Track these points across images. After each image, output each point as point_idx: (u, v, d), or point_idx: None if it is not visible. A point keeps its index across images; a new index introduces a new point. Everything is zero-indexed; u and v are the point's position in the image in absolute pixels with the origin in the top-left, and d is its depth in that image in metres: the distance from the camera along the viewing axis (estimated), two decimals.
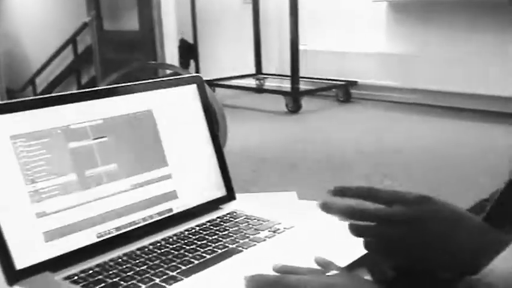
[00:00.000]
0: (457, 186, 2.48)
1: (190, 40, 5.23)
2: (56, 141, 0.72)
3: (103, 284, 0.66)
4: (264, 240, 0.76)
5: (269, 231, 0.79)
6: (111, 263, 0.71)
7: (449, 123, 3.73)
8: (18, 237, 0.67)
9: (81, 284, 0.66)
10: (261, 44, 4.99)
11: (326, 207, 0.66)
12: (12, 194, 0.68)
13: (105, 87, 0.78)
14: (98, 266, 0.70)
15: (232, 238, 0.77)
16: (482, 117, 3.78)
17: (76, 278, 0.68)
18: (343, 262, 0.68)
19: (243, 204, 0.89)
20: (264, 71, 5.02)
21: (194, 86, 0.88)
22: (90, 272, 0.69)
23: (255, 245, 0.74)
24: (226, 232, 0.79)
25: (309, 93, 4.39)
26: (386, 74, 4.46)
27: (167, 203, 0.82)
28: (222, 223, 0.82)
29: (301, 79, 4.24)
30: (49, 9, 5.87)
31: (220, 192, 0.89)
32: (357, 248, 0.69)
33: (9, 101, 0.69)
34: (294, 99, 4.09)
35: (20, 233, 0.68)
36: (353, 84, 4.54)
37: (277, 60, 5.01)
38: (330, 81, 4.57)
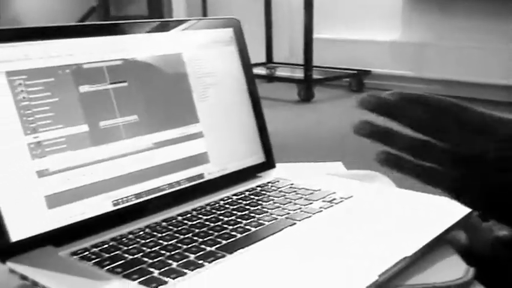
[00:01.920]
0: None
1: None
2: (64, 83, 0.57)
3: (122, 261, 0.51)
4: (320, 211, 0.61)
5: (323, 201, 0.64)
6: (131, 236, 0.56)
7: None
8: (13, 201, 0.52)
9: (93, 261, 0.51)
10: (272, 32, 4.85)
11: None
12: (7, 145, 0.53)
13: (126, 21, 0.63)
14: (113, 239, 0.55)
15: (280, 209, 0.62)
16: (500, 108, 3.62)
17: (86, 253, 0.53)
18: (415, 235, 0.54)
19: (284, 172, 0.74)
20: (274, 60, 4.89)
21: (230, 30, 0.73)
22: (105, 246, 0.54)
23: (309, 216, 0.60)
24: (271, 202, 0.64)
25: (321, 81, 4.25)
26: (400, 63, 4.32)
27: (198, 167, 0.67)
28: (264, 192, 0.67)
29: (313, 68, 4.10)
30: None
31: (259, 158, 0.74)
32: (431, 221, 0.57)
33: (6, 28, 0.54)
34: (307, 88, 3.95)
35: (17, 195, 0.53)
36: (366, 73, 4.40)
37: (287, 49, 4.87)
38: (342, 71, 4.43)
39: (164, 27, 0.66)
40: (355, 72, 4.36)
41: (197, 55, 0.68)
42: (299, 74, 4.19)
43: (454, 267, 0.51)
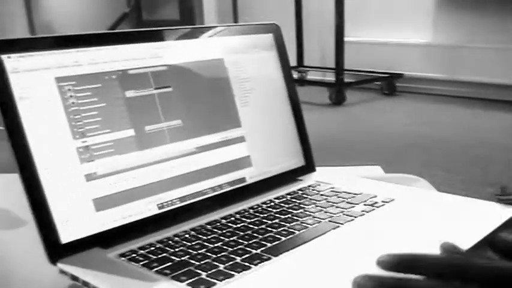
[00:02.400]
0: None
1: None
2: (111, 88, 0.58)
3: (169, 263, 0.52)
4: (362, 214, 0.61)
5: (365, 204, 0.64)
6: (177, 239, 0.57)
7: (500, 117, 3.52)
8: (63, 204, 0.54)
9: (141, 263, 0.52)
10: (303, 36, 4.84)
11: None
12: (57, 150, 0.54)
13: (169, 28, 0.64)
14: (160, 242, 0.56)
15: (323, 212, 0.62)
16: None
17: (134, 255, 0.54)
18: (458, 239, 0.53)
19: (324, 176, 0.75)
20: (305, 64, 4.88)
21: (270, 35, 0.74)
22: (152, 248, 0.55)
23: (352, 219, 0.60)
24: (313, 205, 0.64)
25: (353, 85, 4.22)
26: (432, 65, 4.28)
27: (240, 171, 0.68)
28: (305, 195, 0.68)
29: (344, 72, 4.08)
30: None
31: (299, 161, 0.75)
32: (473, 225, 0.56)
33: (56, 35, 0.56)
34: (338, 91, 3.93)
35: (66, 199, 0.54)
36: (398, 76, 4.37)
37: (318, 53, 4.86)
38: (373, 74, 4.40)
39: (205, 33, 0.67)
40: (386, 75, 4.33)
41: (238, 60, 0.69)
42: (330, 77, 4.18)
43: None
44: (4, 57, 0.52)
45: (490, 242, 0.49)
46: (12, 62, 0.52)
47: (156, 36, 0.63)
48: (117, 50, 0.59)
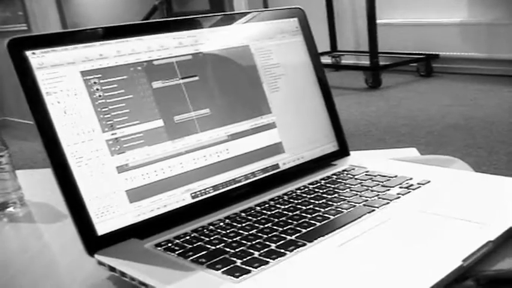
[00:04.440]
0: None
1: None
2: (137, 80, 0.58)
3: (205, 252, 0.51)
4: (398, 197, 0.60)
5: (400, 187, 0.63)
6: (211, 228, 0.57)
7: None
8: (97, 196, 0.54)
9: (177, 252, 0.52)
10: (334, 21, 4.80)
11: None
12: (87, 143, 0.54)
13: (192, 16, 0.64)
14: (195, 231, 0.56)
15: (358, 196, 0.61)
16: None
17: (170, 245, 0.54)
18: (498, 219, 0.52)
19: (359, 160, 0.73)
20: (339, 48, 4.84)
21: (295, 19, 0.73)
22: (187, 238, 0.55)
23: (387, 203, 0.59)
24: (348, 190, 0.63)
25: (388, 67, 4.17)
26: (469, 44, 4.18)
27: (272, 157, 0.67)
28: (340, 180, 0.66)
29: (379, 54, 4.03)
30: None
31: (333, 146, 0.74)
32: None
33: (79, 29, 0.56)
34: (374, 74, 3.89)
35: (99, 191, 0.54)
36: (434, 57, 4.29)
37: (352, 37, 4.81)
38: (409, 56, 4.34)
39: (229, 20, 0.67)
40: (422, 56, 4.26)
41: (264, 46, 0.68)
42: (365, 61, 4.13)
43: None
44: (29, 53, 0.52)
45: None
46: (37, 58, 0.53)
47: (179, 26, 0.62)
48: (141, 41, 0.59)
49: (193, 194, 0.60)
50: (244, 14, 0.68)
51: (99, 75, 0.56)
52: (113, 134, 0.55)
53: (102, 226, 0.54)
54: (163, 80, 0.60)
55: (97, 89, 0.55)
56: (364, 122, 3.12)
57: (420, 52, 4.31)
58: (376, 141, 2.72)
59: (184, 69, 0.61)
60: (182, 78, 0.61)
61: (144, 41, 0.59)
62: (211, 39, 0.65)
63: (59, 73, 0.53)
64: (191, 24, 0.63)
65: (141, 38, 0.59)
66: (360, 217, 0.55)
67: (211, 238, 0.54)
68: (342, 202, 0.59)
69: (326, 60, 4.76)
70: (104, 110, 0.55)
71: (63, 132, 0.53)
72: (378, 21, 4.04)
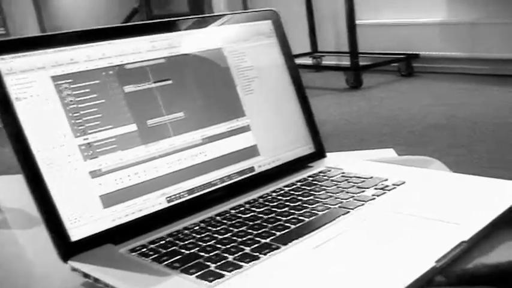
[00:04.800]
0: None
1: None
2: (109, 84, 0.58)
3: (179, 256, 0.51)
4: (373, 198, 0.60)
5: (375, 188, 0.63)
6: (186, 232, 0.56)
7: None
8: (70, 202, 0.54)
9: (151, 257, 0.52)
10: (314, 22, 4.82)
11: None
12: (59, 148, 0.54)
13: (164, 20, 0.63)
14: (170, 235, 0.56)
15: (333, 198, 0.61)
16: None
17: (144, 250, 0.53)
18: (472, 219, 0.52)
19: (335, 161, 0.74)
20: (319, 49, 4.85)
21: (269, 22, 0.73)
22: (162, 242, 0.55)
23: (362, 204, 0.59)
24: (323, 192, 0.63)
25: (369, 67, 4.19)
26: (449, 44, 4.22)
27: (248, 160, 0.67)
28: (315, 182, 0.67)
29: (360, 55, 4.05)
30: None
31: (309, 148, 0.74)
32: (487, 204, 0.55)
33: (49, 34, 0.55)
34: (355, 75, 3.91)
35: (73, 197, 0.54)
36: (415, 57, 4.32)
37: (332, 37, 4.83)
38: (390, 56, 4.36)
39: (203, 23, 0.67)
40: (403, 56, 4.29)
41: (238, 49, 0.68)
42: (346, 61, 4.15)
43: None
44: None
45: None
46: (6, 63, 0.52)
47: (152, 30, 0.62)
48: (112, 45, 0.58)
49: (168, 198, 0.60)
50: (218, 16, 0.68)
51: (70, 80, 0.55)
52: (85, 139, 0.55)
53: (76, 232, 0.53)
54: (135, 84, 0.59)
55: (68, 94, 0.55)
56: (345, 122, 3.13)
57: (401, 52, 4.33)
58: (358, 141, 2.73)
59: (157, 73, 0.61)
60: (155, 82, 0.61)
61: (115, 44, 0.59)
62: (185, 42, 0.64)
63: (28, 78, 0.53)
64: (164, 27, 0.63)
65: (113, 42, 0.59)
66: (334, 219, 0.55)
67: (186, 242, 0.54)
68: (317, 204, 0.59)
69: (307, 61, 4.77)
70: (75, 115, 0.55)
71: (34, 138, 0.52)
72: (358, 21, 4.05)
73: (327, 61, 4.71)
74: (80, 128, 0.55)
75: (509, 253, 0.48)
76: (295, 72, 0.73)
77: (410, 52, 4.29)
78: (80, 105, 0.55)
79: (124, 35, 0.60)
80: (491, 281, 0.43)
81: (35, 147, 0.52)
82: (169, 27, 0.63)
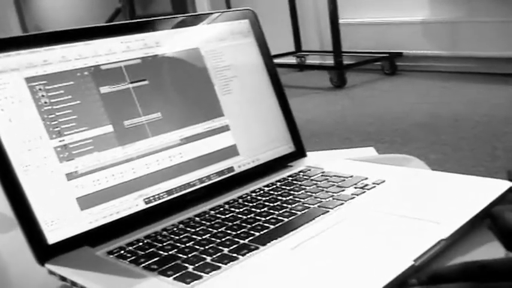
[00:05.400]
0: None
1: None
2: (84, 85, 0.57)
3: (157, 258, 0.51)
4: (352, 197, 0.60)
5: (355, 187, 0.63)
6: (165, 233, 0.56)
7: (506, 90, 3.48)
8: (46, 204, 0.53)
9: (129, 259, 0.51)
10: (298, 21, 4.83)
11: None
12: (34, 151, 0.53)
13: (141, 20, 0.63)
14: (148, 237, 0.56)
15: (313, 197, 0.61)
16: None
17: (122, 252, 0.53)
18: (451, 217, 0.52)
19: (316, 160, 0.73)
20: (303, 49, 4.86)
21: (246, 21, 0.73)
22: (140, 244, 0.54)
23: (342, 203, 0.59)
24: (303, 191, 0.63)
25: (353, 66, 4.20)
26: (432, 42, 4.25)
27: (227, 160, 0.67)
28: (295, 182, 0.66)
29: (343, 54, 4.06)
30: None
31: (289, 147, 0.74)
32: (466, 202, 0.55)
33: (22, 35, 0.55)
34: (339, 74, 3.92)
35: (49, 199, 0.53)
36: (398, 55, 4.34)
37: (316, 36, 4.84)
38: (373, 54, 4.38)
39: (180, 23, 0.66)
40: (386, 55, 4.31)
41: (215, 49, 0.68)
42: (330, 61, 4.16)
43: (493, 252, 0.49)
44: None
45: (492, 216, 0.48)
46: None
47: (128, 30, 0.62)
48: (87, 46, 0.58)
49: (146, 200, 0.59)
50: (195, 16, 0.68)
51: (45, 82, 0.54)
52: (60, 141, 0.54)
53: (53, 234, 0.53)
54: (111, 84, 0.59)
55: (42, 96, 0.54)
56: (330, 121, 3.13)
57: (384, 51, 4.35)
58: (342, 140, 2.73)
59: (133, 73, 0.60)
60: (131, 83, 0.60)
61: (91, 45, 0.58)
62: (161, 42, 0.64)
63: (2, 80, 0.52)
64: (140, 27, 0.63)
65: (88, 42, 0.58)
66: (313, 219, 0.55)
67: (164, 244, 0.53)
68: (296, 204, 0.59)
69: (291, 60, 4.77)
70: (50, 116, 0.54)
71: (9, 141, 0.51)
72: (341, 20, 4.06)
73: (311, 60, 4.72)
74: (56, 129, 0.54)
75: (486, 254, 0.48)
76: (273, 71, 0.72)
77: (394, 51, 4.31)
78: (55, 107, 0.54)
79: (99, 35, 0.59)
80: (462, 280, 0.43)
81: (10, 150, 0.51)
82: (145, 27, 0.63)
